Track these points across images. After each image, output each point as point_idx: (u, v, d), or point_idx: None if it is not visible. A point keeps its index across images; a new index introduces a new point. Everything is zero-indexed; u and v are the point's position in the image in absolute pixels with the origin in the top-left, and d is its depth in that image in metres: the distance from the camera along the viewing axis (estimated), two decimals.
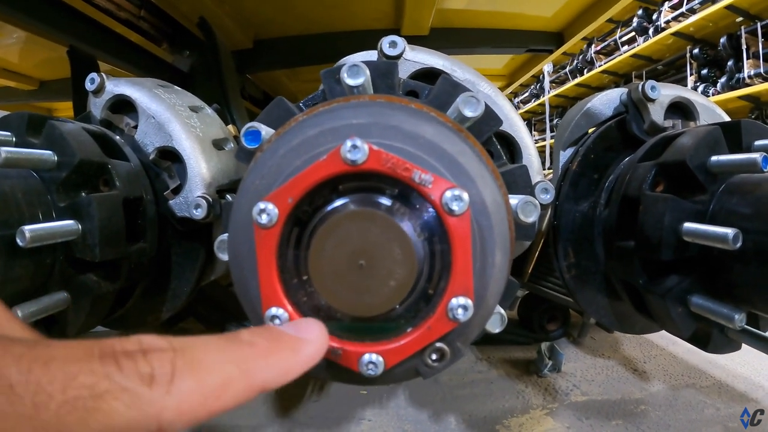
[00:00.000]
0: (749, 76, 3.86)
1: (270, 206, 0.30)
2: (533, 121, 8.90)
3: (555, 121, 7.65)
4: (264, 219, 0.30)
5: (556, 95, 7.14)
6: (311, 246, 0.31)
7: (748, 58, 3.88)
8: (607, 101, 0.89)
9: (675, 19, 4.40)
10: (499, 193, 0.38)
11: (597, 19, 2.05)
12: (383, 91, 0.52)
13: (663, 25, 4.54)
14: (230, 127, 0.92)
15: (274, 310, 0.31)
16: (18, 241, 0.53)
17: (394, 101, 0.42)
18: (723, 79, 4.13)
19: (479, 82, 0.74)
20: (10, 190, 0.57)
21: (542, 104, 7.61)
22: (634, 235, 0.71)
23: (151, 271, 0.73)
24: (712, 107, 0.88)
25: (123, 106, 0.79)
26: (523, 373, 1.16)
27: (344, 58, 0.80)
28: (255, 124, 0.44)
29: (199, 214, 0.69)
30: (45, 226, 0.56)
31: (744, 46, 3.86)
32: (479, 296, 0.34)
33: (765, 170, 0.59)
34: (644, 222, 0.67)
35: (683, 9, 4.28)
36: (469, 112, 0.43)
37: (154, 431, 0.22)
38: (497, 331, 0.50)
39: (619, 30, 5.30)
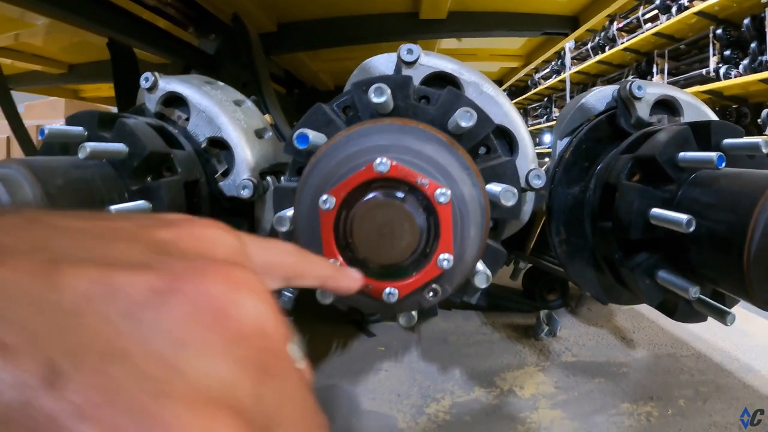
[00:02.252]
0: None
1: (331, 197, 0.49)
2: (554, 97, 8.82)
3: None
4: (327, 205, 0.49)
5: (578, 72, 7.10)
6: (354, 221, 0.49)
7: None
8: (600, 97, 0.99)
9: None
10: (474, 189, 0.55)
11: (611, 5, 2.10)
12: (401, 100, 0.65)
13: (686, 4, 4.52)
14: (266, 116, 1.05)
15: (331, 261, 0.50)
16: None
17: (407, 123, 0.57)
18: (746, 61, 4.12)
19: (483, 84, 0.86)
20: (92, 177, 0.70)
21: (563, 81, 7.59)
22: (611, 218, 0.82)
23: None
24: (696, 104, 0.98)
25: (174, 100, 0.91)
26: (522, 336, 1.30)
27: (367, 61, 0.92)
28: (304, 130, 0.59)
29: (246, 194, 0.83)
30: (126, 206, 0.69)
31: None
32: (458, 254, 0.52)
33: (720, 167, 0.70)
34: (619, 206, 0.79)
35: None
36: (463, 123, 0.57)
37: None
38: (483, 286, 0.65)
39: (641, 7, 5.26)
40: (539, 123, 9.08)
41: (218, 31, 1.87)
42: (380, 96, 0.58)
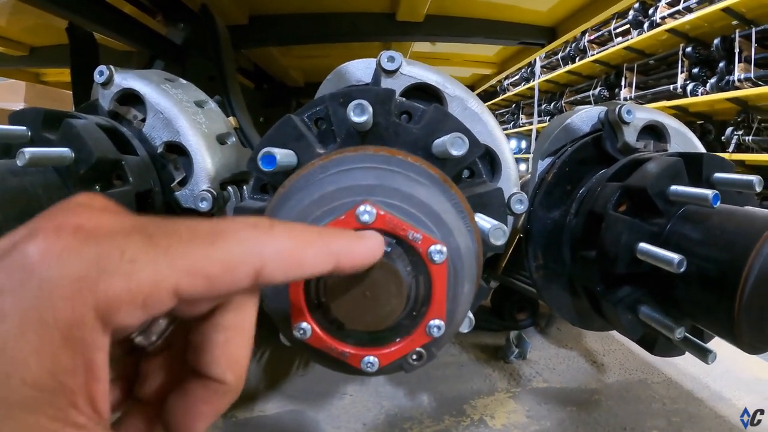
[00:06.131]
0: (739, 80, 3.93)
1: None
2: (522, 104, 8.93)
3: (543, 106, 7.71)
4: None
5: (547, 80, 7.17)
6: (329, 279, 0.40)
7: (739, 62, 3.95)
8: (586, 118, 0.95)
9: (671, 15, 4.46)
10: (471, 239, 0.48)
11: (591, 20, 2.08)
12: (381, 116, 0.58)
13: (658, 21, 4.60)
14: (231, 119, 0.97)
15: (300, 324, 0.42)
16: None
17: (394, 155, 0.50)
18: (713, 80, 4.21)
19: (468, 99, 0.80)
20: (31, 186, 0.62)
21: (532, 88, 7.66)
22: (595, 248, 0.78)
23: None
24: (683, 131, 0.95)
25: (130, 98, 0.83)
26: (491, 358, 1.26)
27: (343, 66, 0.85)
28: (270, 149, 0.52)
29: (204, 206, 0.75)
30: None
31: (737, 50, 3.93)
32: (450, 316, 0.45)
33: (715, 206, 0.66)
34: (605, 238, 0.75)
35: (680, 7, 4.34)
36: (454, 152, 0.51)
37: (258, 267, 0.26)
38: (466, 331, 0.59)
39: (614, 21, 5.34)
40: (506, 129, 9.16)
41: (187, 20, 1.76)
42: (361, 115, 0.52)
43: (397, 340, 0.44)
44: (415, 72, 0.78)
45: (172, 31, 1.82)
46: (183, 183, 0.79)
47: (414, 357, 0.45)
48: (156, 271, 0.23)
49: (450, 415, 0.99)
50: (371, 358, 0.44)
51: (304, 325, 0.42)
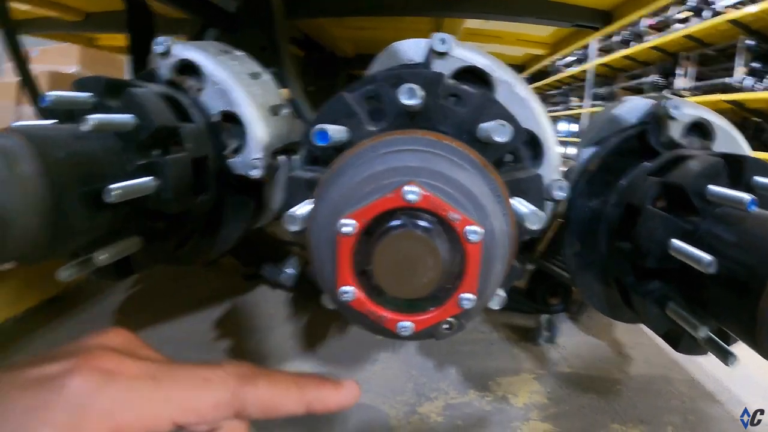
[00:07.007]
0: None
1: (352, 221, 0.46)
2: (573, 86, 8.70)
3: (595, 90, 7.49)
4: (346, 230, 0.46)
5: (601, 64, 6.96)
6: (375, 250, 0.46)
7: None
8: (632, 109, 0.95)
9: (734, 5, 4.26)
10: (505, 222, 0.52)
11: (650, 5, 2.02)
12: (429, 99, 0.61)
13: (720, 10, 4.39)
14: (284, 91, 1.01)
15: (345, 288, 0.48)
16: (105, 197, 0.61)
17: (439, 139, 0.55)
18: None
19: (516, 84, 0.82)
20: (94, 150, 0.66)
21: (585, 70, 7.45)
22: (630, 240, 0.80)
23: (206, 217, 0.85)
24: (729, 130, 0.94)
25: (187, 68, 0.86)
26: (520, 339, 1.29)
27: (395, 44, 0.87)
28: (324, 126, 0.56)
29: (256, 174, 0.79)
30: (128, 183, 0.64)
31: None
32: (481, 292, 0.49)
33: (750, 211, 0.66)
34: (639, 231, 0.76)
35: None
36: (498, 138, 0.54)
37: (239, 408, 0.37)
38: (497, 308, 0.63)
39: (674, 7, 5.12)
40: (556, 111, 8.98)
41: None
42: (411, 98, 0.55)
43: (431, 309, 0.49)
44: (465, 55, 0.80)
45: (224, 0, 1.85)
46: (236, 151, 0.84)
47: (445, 326, 0.50)
48: (159, 407, 0.34)
49: (475, 389, 1.02)
50: (406, 323, 0.48)
51: (349, 288, 0.47)
